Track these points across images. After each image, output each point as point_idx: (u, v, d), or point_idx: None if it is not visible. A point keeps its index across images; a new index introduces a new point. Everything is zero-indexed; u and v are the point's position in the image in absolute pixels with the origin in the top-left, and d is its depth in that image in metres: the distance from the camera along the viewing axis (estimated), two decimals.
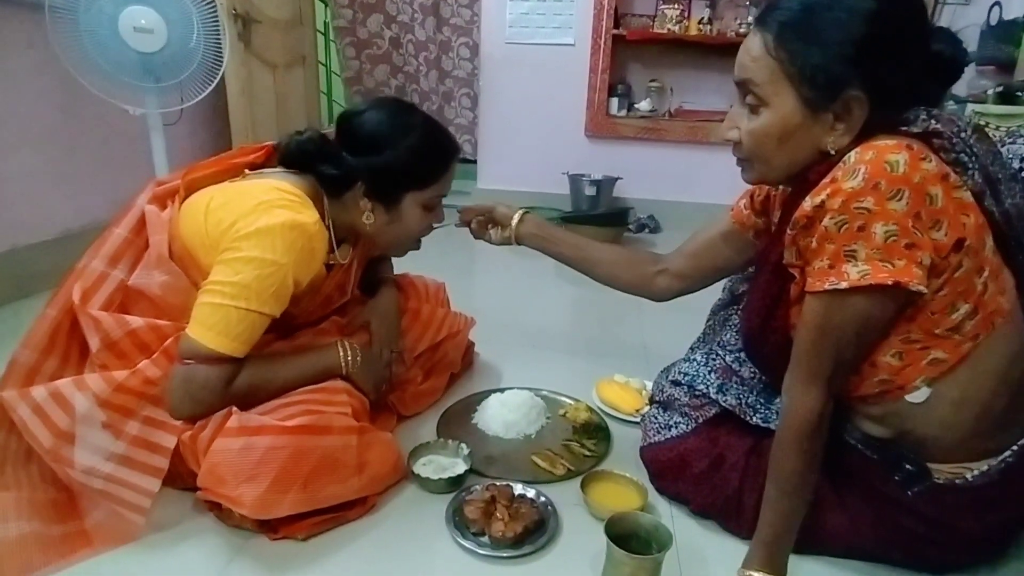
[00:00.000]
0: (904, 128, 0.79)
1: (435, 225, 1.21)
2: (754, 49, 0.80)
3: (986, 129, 1.97)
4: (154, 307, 1.03)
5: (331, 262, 1.15)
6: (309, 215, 1.02)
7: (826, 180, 0.76)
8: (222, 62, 1.91)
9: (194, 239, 1.02)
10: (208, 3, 1.83)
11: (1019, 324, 0.84)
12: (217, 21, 1.86)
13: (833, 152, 0.79)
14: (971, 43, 2.73)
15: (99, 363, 0.99)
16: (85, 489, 0.96)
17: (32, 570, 0.89)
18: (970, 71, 2.73)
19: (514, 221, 1.28)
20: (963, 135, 0.79)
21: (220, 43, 1.88)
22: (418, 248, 1.25)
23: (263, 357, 1.05)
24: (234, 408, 0.95)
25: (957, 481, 0.84)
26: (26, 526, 0.93)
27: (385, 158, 1.07)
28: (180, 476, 1.01)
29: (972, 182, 0.79)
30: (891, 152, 0.72)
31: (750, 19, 3.04)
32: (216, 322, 0.95)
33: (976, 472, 0.83)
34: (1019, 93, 2.21)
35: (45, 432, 0.93)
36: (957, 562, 0.94)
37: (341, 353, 1.13)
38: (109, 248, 1.04)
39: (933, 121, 0.79)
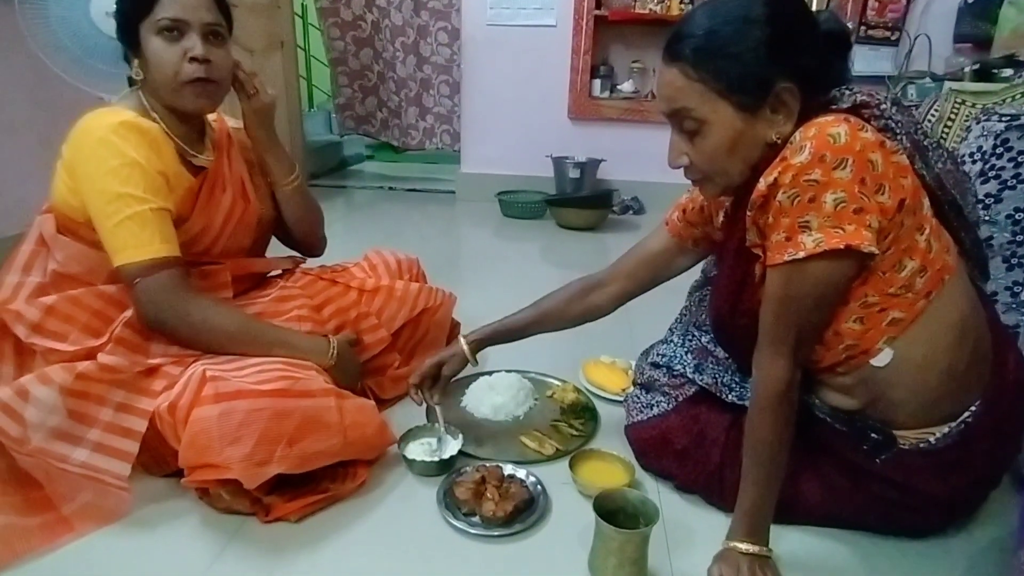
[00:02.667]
0: (834, 107, 0.84)
1: (193, 56, 1.05)
2: (676, 81, 0.84)
3: (963, 106, 1.99)
4: (76, 284, 1.06)
5: (197, 164, 1.13)
6: (119, 112, 1.03)
7: (776, 160, 0.79)
8: None
9: (65, 193, 1.05)
10: None
11: (967, 281, 0.89)
12: None
13: (779, 141, 0.83)
14: (948, 21, 2.75)
15: (40, 351, 1.01)
16: (64, 476, 0.96)
17: (16, 556, 0.90)
18: (947, 49, 2.76)
19: (466, 350, 1.21)
20: (883, 107, 0.84)
21: None
22: (200, 92, 1.08)
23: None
24: (207, 373, 0.95)
25: (921, 445, 0.88)
26: (2, 519, 0.94)
27: (117, 6, 1.06)
28: (164, 460, 1.02)
29: (902, 147, 0.83)
30: (832, 126, 0.76)
31: None
32: (124, 240, 0.99)
33: (938, 435, 0.87)
34: (995, 70, 2.24)
35: (14, 425, 0.93)
36: (929, 525, 0.98)
37: (331, 346, 1.15)
38: (19, 262, 1.07)
39: (858, 95, 0.84)
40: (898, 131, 0.84)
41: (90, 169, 0.99)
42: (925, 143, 0.87)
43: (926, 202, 0.84)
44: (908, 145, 0.84)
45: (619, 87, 3.27)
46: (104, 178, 0.99)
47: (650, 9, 3.06)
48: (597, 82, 3.21)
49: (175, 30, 1.04)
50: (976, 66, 2.29)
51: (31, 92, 2.02)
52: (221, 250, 1.18)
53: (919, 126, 0.88)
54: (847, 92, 0.85)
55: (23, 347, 1.03)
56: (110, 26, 1.72)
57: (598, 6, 3.06)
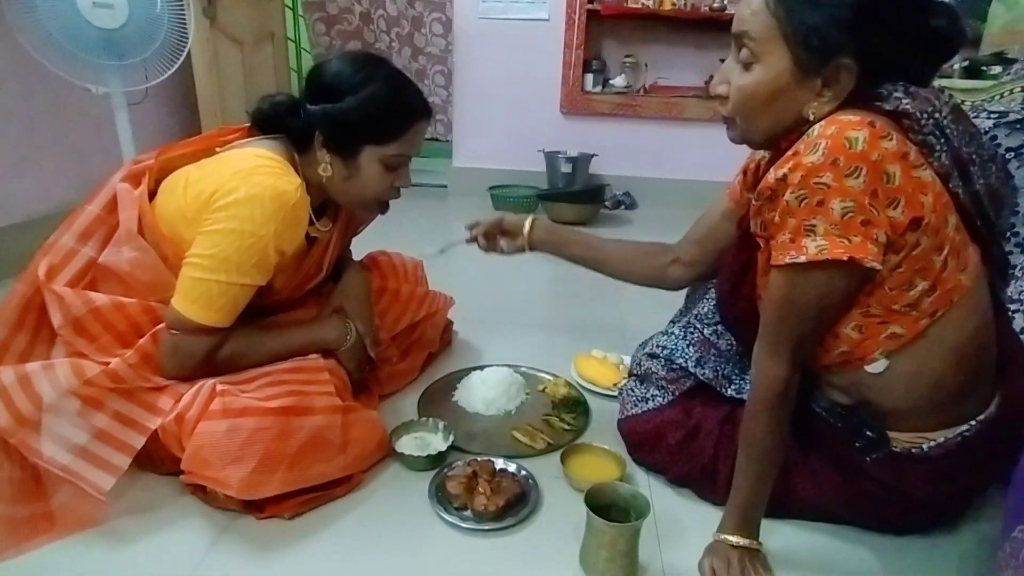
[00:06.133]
0: (878, 103, 0.78)
1: (400, 186, 1.14)
2: (754, 3, 0.79)
3: None
4: (123, 285, 1.02)
5: (312, 234, 1.13)
6: (291, 181, 1.00)
7: (789, 153, 0.76)
8: (187, 39, 1.85)
9: (175, 215, 1.01)
10: None
11: (981, 299, 0.85)
12: None
13: (813, 119, 0.79)
14: None
15: (64, 341, 0.98)
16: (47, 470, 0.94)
17: None
18: None
19: (526, 229, 1.26)
20: (937, 115, 0.78)
21: (184, 19, 1.82)
22: (385, 211, 1.20)
23: (255, 326, 1.06)
24: (218, 387, 0.94)
25: (913, 450, 0.87)
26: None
27: (342, 106, 1.02)
28: (162, 461, 1.01)
29: (939, 164, 0.79)
30: (852, 128, 0.72)
31: None
32: (198, 295, 0.96)
33: (932, 443, 0.86)
34: (984, 67, 2.26)
35: (5, 414, 0.91)
36: (916, 525, 0.99)
37: (347, 327, 1.16)
38: (80, 224, 1.03)
39: (906, 99, 0.78)
40: (938, 148, 0.79)
41: (220, 215, 0.95)
42: (974, 156, 0.82)
43: (952, 219, 0.79)
44: (947, 162, 0.79)
45: (611, 82, 3.26)
46: (227, 236, 0.95)
47: (642, 4, 3.05)
48: (589, 76, 3.20)
49: (398, 165, 1.09)
50: (965, 63, 2.31)
51: (18, 81, 1.99)
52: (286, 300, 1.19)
53: (975, 136, 0.83)
54: (897, 93, 0.78)
55: (46, 321, 0.99)
56: (97, 16, 1.71)
57: (590, 0, 3.06)
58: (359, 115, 1.02)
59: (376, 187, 1.09)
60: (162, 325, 0.99)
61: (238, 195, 0.95)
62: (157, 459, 1.01)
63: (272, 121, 1.08)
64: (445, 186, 3.48)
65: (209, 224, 0.96)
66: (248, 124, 1.14)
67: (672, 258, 1.20)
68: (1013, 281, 1.27)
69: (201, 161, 1.06)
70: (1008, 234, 1.41)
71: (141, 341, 0.98)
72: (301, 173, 1.05)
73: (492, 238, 1.30)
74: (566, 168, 3.08)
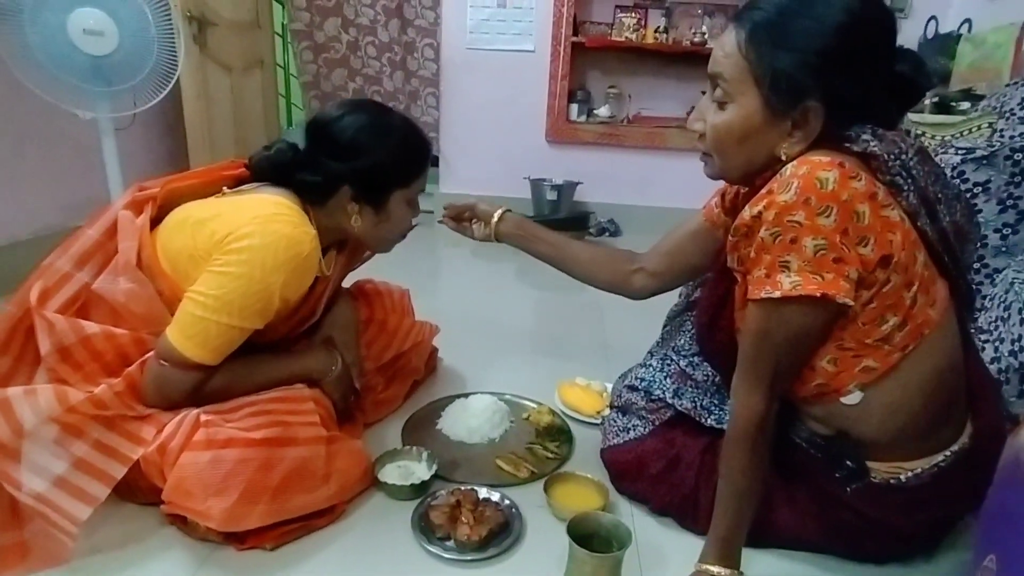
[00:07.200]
0: (847, 144, 0.81)
1: (415, 216, 1.21)
2: (727, 45, 0.82)
3: (922, 138, 2.07)
4: (114, 314, 1.01)
5: (316, 274, 1.12)
6: (306, 232, 1.01)
7: (763, 191, 0.78)
8: (177, 65, 1.87)
9: (179, 253, 1.01)
10: (161, 5, 1.79)
11: (950, 332, 0.88)
12: (171, 23, 1.82)
13: (785, 159, 0.81)
14: None
15: (48, 367, 0.97)
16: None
17: None
18: None
19: (494, 219, 1.30)
20: (903, 157, 0.81)
21: (174, 45, 1.84)
22: (402, 239, 1.25)
23: (242, 359, 1.05)
24: (202, 417, 0.94)
25: (892, 481, 0.89)
26: None
27: (371, 160, 1.07)
28: (140, 490, 0.99)
29: (907, 203, 0.81)
30: (823, 169, 0.74)
31: (704, 28, 3.13)
32: (196, 332, 0.96)
33: (910, 473, 0.88)
34: (953, 103, 2.33)
35: None
36: (894, 554, 1.00)
37: (333, 358, 1.17)
38: (78, 249, 1.02)
39: (874, 142, 0.80)
40: (905, 188, 0.81)
41: (232, 259, 0.96)
42: (939, 195, 0.85)
43: (921, 256, 0.81)
44: (914, 202, 0.82)
45: (596, 111, 3.33)
46: (235, 280, 0.95)
47: (626, 37, 3.15)
48: (574, 106, 3.27)
49: (417, 199, 1.17)
50: (936, 99, 2.38)
51: (3, 104, 1.99)
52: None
53: (940, 176, 0.85)
54: (865, 135, 0.80)
55: (32, 345, 0.98)
56: (88, 43, 1.72)
57: (575, 33, 3.13)
58: (391, 165, 1.09)
59: (403, 225, 1.18)
60: (151, 354, 0.98)
61: (252, 241, 0.96)
62: (136, 489, 1.00)
63: (274, 174, 1.09)
64: (431, 212, 3.50)
65: (219, 265, 0.96)
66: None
67: (638, 266, 1.22)
68: (984, 312, 1.31)
69: (209, 200, 1.07)
70: (979, 266, 1.45)
71: (129, 369, 0.97)
72: (314, 222, 1.07)
73: (465, 221, 1.33)
74: (551, 195, 3.12)
